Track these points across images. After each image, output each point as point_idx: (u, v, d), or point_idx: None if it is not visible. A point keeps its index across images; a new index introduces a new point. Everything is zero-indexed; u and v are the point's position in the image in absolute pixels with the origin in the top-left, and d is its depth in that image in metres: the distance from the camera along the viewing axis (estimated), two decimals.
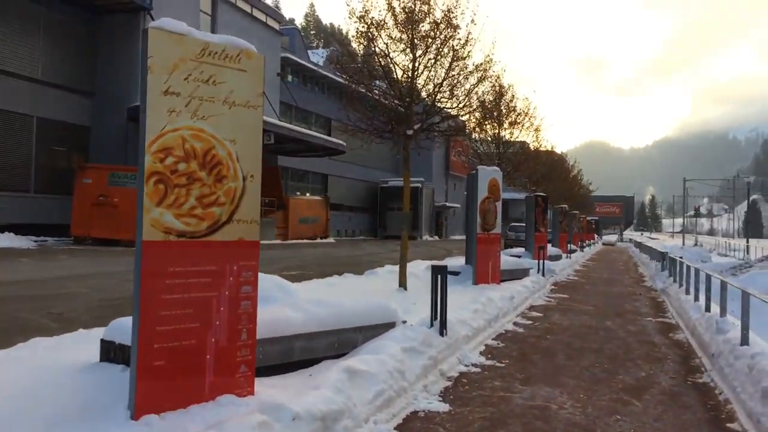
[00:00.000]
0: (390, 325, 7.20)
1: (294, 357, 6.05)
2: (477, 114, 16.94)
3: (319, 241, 38.83)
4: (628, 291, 18.61)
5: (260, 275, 8.00)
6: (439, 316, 7.70)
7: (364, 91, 13.04)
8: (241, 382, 4.78)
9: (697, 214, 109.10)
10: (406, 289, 12.80)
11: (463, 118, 14.76)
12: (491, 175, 14.75)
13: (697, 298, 11.71)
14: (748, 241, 51.06)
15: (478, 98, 13.62)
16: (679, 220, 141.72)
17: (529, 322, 11.43)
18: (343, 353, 6.58)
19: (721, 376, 7.15)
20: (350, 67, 13.47)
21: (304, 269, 17.08)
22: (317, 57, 55.67)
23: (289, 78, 44.74)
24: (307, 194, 46.14)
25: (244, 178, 4.72)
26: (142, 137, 4.20)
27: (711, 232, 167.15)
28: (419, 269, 15.90)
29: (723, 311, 8.82)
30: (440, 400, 6.10)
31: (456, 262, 16.93)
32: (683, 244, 65.03)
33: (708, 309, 10.27)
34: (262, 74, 4.92)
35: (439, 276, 7.64)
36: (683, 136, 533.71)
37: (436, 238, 56.23)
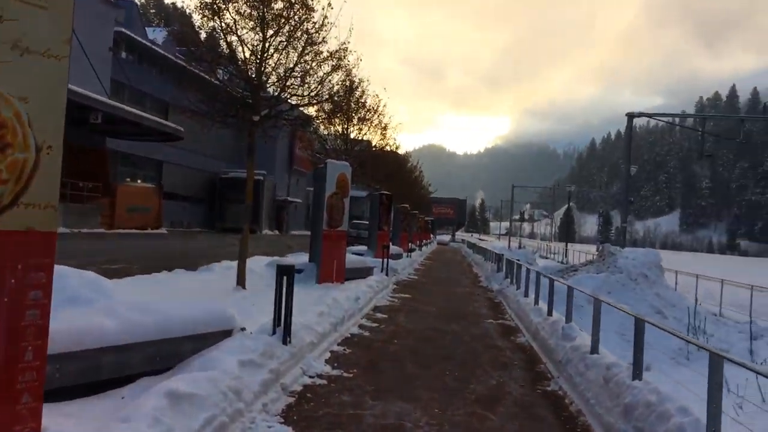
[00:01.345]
0: (226, 333, 6.25)
1: (102, 375, 4.95)
2: (326, 106, 16.22)
3: (150, 232, 36.11)
4: (467, 291, 18.94)
5: (69, 270, 6.66)
6: (283, 322, 6.87)
7: (205, 72, 11.85)
8: (23, 415, 3.65)
9: (522, 218, 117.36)
10: (244, 287, 11.79)
11: (313, 110, 13.99)
12: (340, 170, 14.12)
13: (537, 302, 11.90)
14: (567, 245, 55.46)
15: (329, 89, 12.89)
16: (505, 224, 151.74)
17: (375, 324, 10.93)
18: (168, 368, 5.56)
19: (570, 385, 7.04)
20: (192, 42, 12.17)
21: (129, 263, 15.35)
22: (157, 36, 51.91)
23: (123, 55, 41.23)
24: (139, 181, 42.89)
25: (38, 149, 3.59)
26: None
27: (532, 235, 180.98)
28: (260, 266, 14.88)
29: (569, 317, 8.86)
30: (282, 422, 5.29)
31: (298, 258, 16.11)
32: (509, 246, 69.26)
33: (550, 313, 10.39)
34: (70, 16, 3.79)
35: (285, 277, 6.81)
36: (510, 146, 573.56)
37: (277, 232, 54.94)
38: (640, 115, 31.75)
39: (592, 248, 68.81)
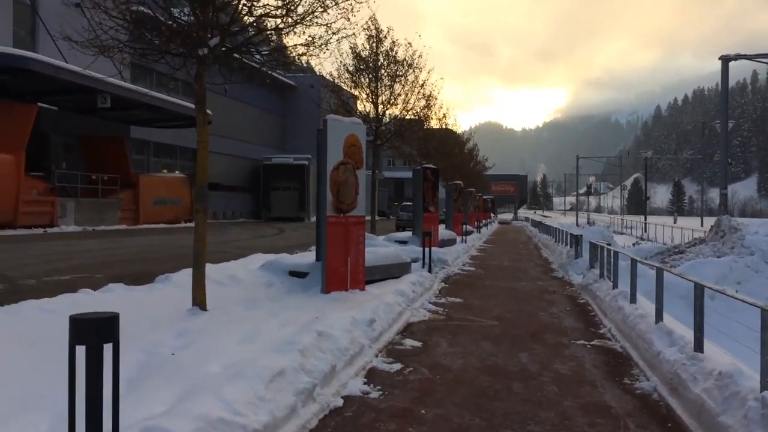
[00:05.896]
0: None
1: None
2: (314, 30, 11.91)
3: (182, 225, 33.07)
4: (539, 286, 14.47)
5: None
6: None
7: None
8: None
9: (589, 191, 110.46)
10: (204, 308, 7.83)
11: (296, 41, 9.73)
12: (348, 131, 9.88)
13: (661, 317, 7.37)
14: (646, 219, 49.62)
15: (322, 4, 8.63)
16: (569, 198, 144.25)
17: (396, 367, 6.73)
18: None
19: None
20: None
21: (100, 270, 11.68)
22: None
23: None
24: (176, 172, 39.92)
25: None
26: None
27: (598, 209, 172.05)
28: (251, 267, 10.99)
29: (767, 371, 4.34)
30: None
31: None
32: (577, 222, 63.56)
33: (699, 348, 5.84)
34: None
35: (87, 350, 2.69)
36: (570, 119, 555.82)
37: None
38: (738, 57, 26.15)
39: (669, 220, 62.38)
